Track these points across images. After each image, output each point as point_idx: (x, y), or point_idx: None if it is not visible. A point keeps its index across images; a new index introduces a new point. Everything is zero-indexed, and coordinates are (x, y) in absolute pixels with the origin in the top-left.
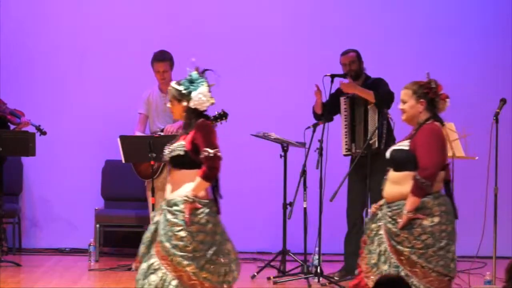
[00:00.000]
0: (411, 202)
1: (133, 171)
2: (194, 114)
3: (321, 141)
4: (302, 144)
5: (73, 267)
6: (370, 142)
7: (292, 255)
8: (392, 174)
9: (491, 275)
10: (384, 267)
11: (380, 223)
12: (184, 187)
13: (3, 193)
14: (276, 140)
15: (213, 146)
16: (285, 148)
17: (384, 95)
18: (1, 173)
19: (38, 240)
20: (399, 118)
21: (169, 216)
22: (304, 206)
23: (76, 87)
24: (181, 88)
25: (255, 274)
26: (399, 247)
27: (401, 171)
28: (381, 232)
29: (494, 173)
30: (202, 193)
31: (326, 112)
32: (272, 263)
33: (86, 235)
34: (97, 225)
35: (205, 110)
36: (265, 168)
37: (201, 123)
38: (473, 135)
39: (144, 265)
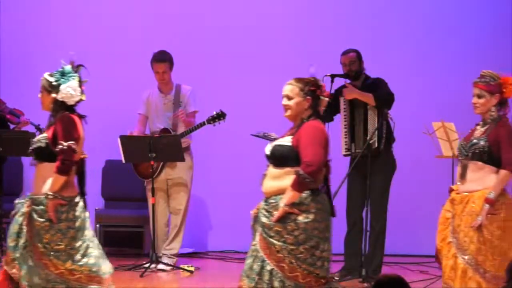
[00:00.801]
0: (290, 196)
1: (133, 171)
2: (62, 107)
3: None
4: None
5: None
6: (370, 142)
7: None
8: (271, 170)
9: None
10: (249, 261)
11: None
12: (47, 182)
13: (3, 193)
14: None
15: (69, 138)
16: None
17: (384, 97)
18: (1, 173)
19: None
20: (399, 118)
21: (35, 216)
22: None
23: None
24: (52, 79)
25: None
26: (270, 239)
27: (282, 167)
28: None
29: None
30: (68, 189)
31: (326, 112)
32: None
33: None
34: (97, 225)
35: (74, 105)
36: (265, 168)
37: (62, 115)
38: None
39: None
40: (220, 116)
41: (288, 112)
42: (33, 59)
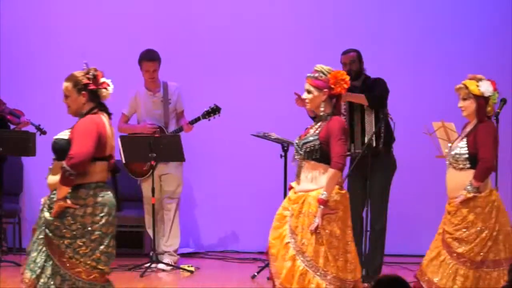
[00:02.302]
0: (60, 191)
1: (125, 169)
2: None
3: None
4: None
5: None
6: (368, 142)
7: None
8: (54, 163)
9: None
10: (33, 254)
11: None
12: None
13: (3, 193)
14: (276, 140)
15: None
16: (285, 148)
17: (375, 96)
18: (1, 173)
19: None
20: (399, 118)
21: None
22: None
23: None
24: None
25: (255, 274)
26: (50, 234)
27: (63, 160)
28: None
29: (494, 173)
30: None
31: None
32: None
33: None
34: None
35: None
36: (265, 168)
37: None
38: None
39: None
40: (215, 110)
41: (69, 110)
42: (33, 59)
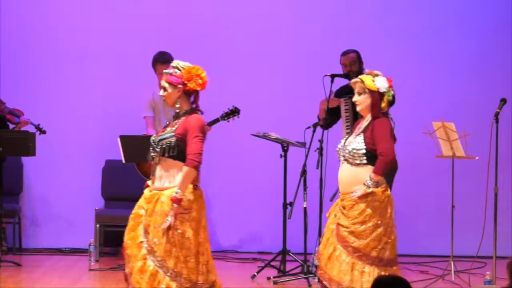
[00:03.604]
0: None
1: (136, 170)
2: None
3: (321, 141)
4: (302, 144)
5: (73, 267)
6: None
7: (292, 255)
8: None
9: (491, 275)
10: None
11: None
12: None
13: (3, 192)
14: (276, 140)
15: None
16: (285, 148)
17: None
18: (1, 173)
19: (38, 240)
20: (399, 118)
21: None
22: (304, 206)
23: (76, 87)
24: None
25: (255, 274)
26: None
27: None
28: None
29: (494, 173)
30: None
31: (330, 117)
32: (272, 263)
33: (86, 235)
34: (97, 225)
35: None
36: (265, 168)
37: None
38: (473, 135)
39: None
40: (234, 112)
41: None
42: (33, 59)
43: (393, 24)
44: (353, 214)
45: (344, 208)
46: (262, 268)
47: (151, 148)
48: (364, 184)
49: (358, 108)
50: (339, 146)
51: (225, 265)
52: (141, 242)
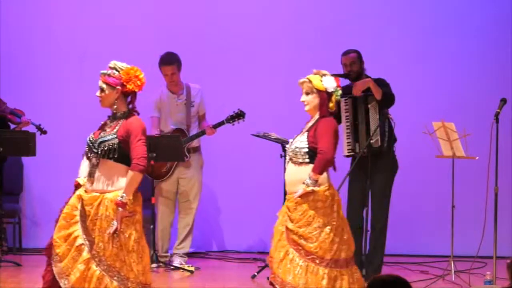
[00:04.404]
0: None
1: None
2: None
3: None
4: None
5: None
6: (372, 141)
7: None
8: None
9: (491, 275)
10: None
11: None
12: None
13: (3, 192)
14: (276, 140)
15: None
16: (285, 148)
17: (389, 95)
18: (1, 173)
19: (39, 240)
20: (399, 118)
21: None
22: None
23: (76, 87)
24: None
25: (255, 274)
26: None
27: None
28: None
29: (494, 173)
30: None
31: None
32: None
33: None
34: None
35: None
36: (265, 168)
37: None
38: (473, 135)
39: None
40: (240, 115)
41: None
42: (33, 59)
43: (393, 24)
44: (297, 216)
45: (289, 209)
46: (262, 268)
47: (87, 149)
48: (303, 183)
49: (306, 108)
50: (287, 145)
51: (225, 265)
52: (82, 245)
